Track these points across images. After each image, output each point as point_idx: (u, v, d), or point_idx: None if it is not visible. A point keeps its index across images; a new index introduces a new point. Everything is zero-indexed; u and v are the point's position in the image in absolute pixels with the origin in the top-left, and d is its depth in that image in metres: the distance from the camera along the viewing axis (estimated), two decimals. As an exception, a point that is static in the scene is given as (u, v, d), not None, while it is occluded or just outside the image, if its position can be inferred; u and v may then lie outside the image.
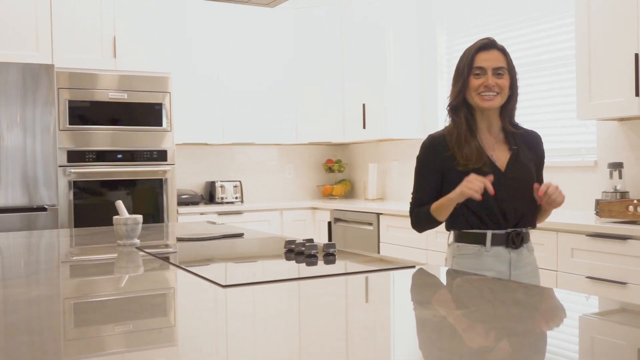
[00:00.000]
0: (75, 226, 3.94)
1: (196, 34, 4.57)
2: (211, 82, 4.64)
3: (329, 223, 4.56)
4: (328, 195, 5.20)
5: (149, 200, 4.19)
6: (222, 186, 4.75)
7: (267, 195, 5.14)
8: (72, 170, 3.96)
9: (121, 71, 4.10)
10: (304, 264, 1.81)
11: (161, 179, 4.20)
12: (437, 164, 1.99)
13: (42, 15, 3.88)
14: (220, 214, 4.46)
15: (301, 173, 5.33)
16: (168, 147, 4.23)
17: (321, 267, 1.76)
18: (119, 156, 4.10)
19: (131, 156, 4.13)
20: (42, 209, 3.82)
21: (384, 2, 4.44)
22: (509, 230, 1.95)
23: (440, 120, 4.42)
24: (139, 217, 2.32)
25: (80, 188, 3.99)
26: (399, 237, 3.86)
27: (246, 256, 2.17)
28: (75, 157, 3.97)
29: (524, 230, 1.98)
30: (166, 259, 1.92)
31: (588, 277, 2.69)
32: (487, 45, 1.97)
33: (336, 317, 1.24)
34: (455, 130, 1.98)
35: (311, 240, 2.08)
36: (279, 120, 4.89)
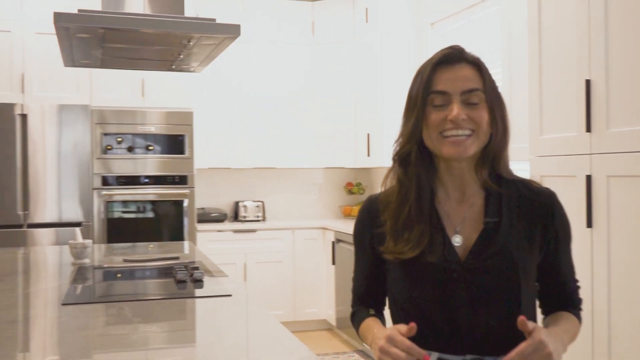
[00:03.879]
0: (108, 241, 4.66)
1: (217, 70, 5.18)
2: (233, 112, 5.24)
3: (333, 243, 4.98)
4: (348, 215, 5.61)
5: (171, 218, 4.84)
6: (244, 205, 5.33)
7: (292, 214, 5.65)
8: (105, 193, 4.69)
9: (149, 108, 4.79)
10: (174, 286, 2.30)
11: (182, 200, 4.84)
12: (369, 241, 1.37)
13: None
14: (235, 231, 5.02)
15: (326, 194, 5.78)
16: (188, 172, 4.86)
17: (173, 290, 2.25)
18: (146, 180, 4.78)
19: (156, 180, 4.80)
20: (79, 224, 4.59)
21: (388, 40, 4.82)
22: (468, 358, 1.25)
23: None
24: (88, 242, 2.91)
25: (112, 208, 4.72)
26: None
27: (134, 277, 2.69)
28: (108, 181, 4.71)
29: None
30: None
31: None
32: (451, 56, 1.27)
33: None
34: (394, 199, 1.32)
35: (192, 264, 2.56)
36: (297, 145, 5.38)
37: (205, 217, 5.18)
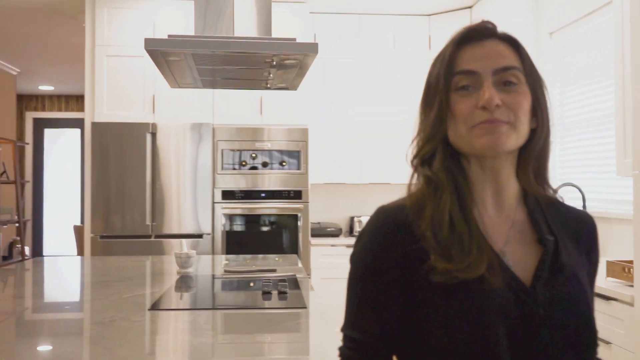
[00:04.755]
0: (227, 252, 4.90)
1: (330, 85, 5.28)
2: (346, 129, 5.30)
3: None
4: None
5: (286, 232, 4.99)
6: (359, 220, 5.37)
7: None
8: (225, 206, 4.94)
9: (266, 125, 4.98)
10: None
11: (296, 215, 4.97)
12: (397, 265, 0.98)
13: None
14: (348, 246, 5.07)
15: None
16: (303, 187, 4.99)
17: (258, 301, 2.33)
18: (263, 195, 4.97)
19: (272, 195, 4.98)
20: (200, 236, 4.86)
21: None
22: None
23: (553, 165, 4.47)
24: (192, 252, 3.09)
25: (231, 221, 4.95)
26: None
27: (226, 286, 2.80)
28: (228, 195, 4.95)
29: None
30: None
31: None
32: (478, 31, 1.02)
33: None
34: (428, 203, 1.00)
35: (283, 279, 2.64)
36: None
37: (321, 232, 5.28)
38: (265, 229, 4.96)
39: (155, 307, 2.16)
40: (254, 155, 4.97)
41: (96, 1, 4.84)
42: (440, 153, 1.02)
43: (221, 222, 4.92)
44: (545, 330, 0.94)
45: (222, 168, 4.94)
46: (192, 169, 4.84)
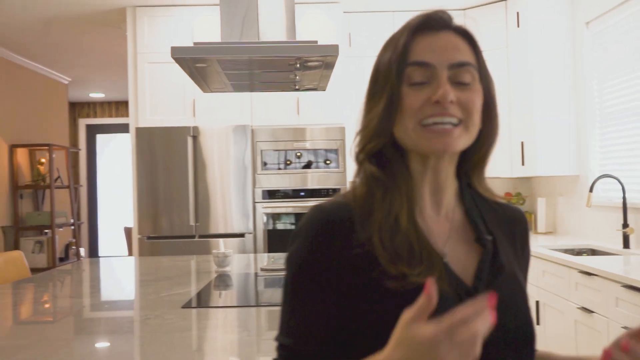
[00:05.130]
0: (269, 250, 5.00)
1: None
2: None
3: (487, 255, 4.84)
4: (508, 226, 5.40)
5: (326, 230, 5.05)
6: (400, 217, 5.39)
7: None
8: (266, 205, 5.04)
9: (304, 125, 5.06)
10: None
11: (336, 213, 5.02)
12: (332, 271, 0.92)
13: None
14: (388, 243, 5.09)
15: (485, 205, 5.62)
16: (341, 185, 5.04)
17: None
18: (302, 194, 5.05)
19: (311, 193, 5.05)
20: (242, 235, 4.98)
21: (540, 44, 4.61)
22: None
23: (592, 157, 4.40)
24: (229, 252, 3.19)
25: (271, 220, 5.05)
26: (551, 284, 4.01)
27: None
28: (268, 195, 5.05)
29: None
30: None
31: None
32: (435, 21, 0.96)
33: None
34: (376, 205, 0.95)
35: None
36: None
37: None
38: (305, 227, 5.04)
39: (187, 305, 2.25)
40: (293, 155, 5.05)
41: (137, 11, 5.01)
42: (388, 149, 0.97)
43: (262, 221, 5.02)
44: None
45: (262, 168, 5.04)
46: (232, 170, 4.96)
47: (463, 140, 0.94)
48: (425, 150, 0.93)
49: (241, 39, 2.45)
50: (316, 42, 2.31)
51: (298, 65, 2.37)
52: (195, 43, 2.29)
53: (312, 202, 4.98)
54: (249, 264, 3.56)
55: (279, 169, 5.05)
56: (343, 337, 0.92)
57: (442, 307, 0.85)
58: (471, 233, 1.00)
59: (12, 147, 6.46)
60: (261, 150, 5.04)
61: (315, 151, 5.04)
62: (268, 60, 2.30)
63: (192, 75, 2.59)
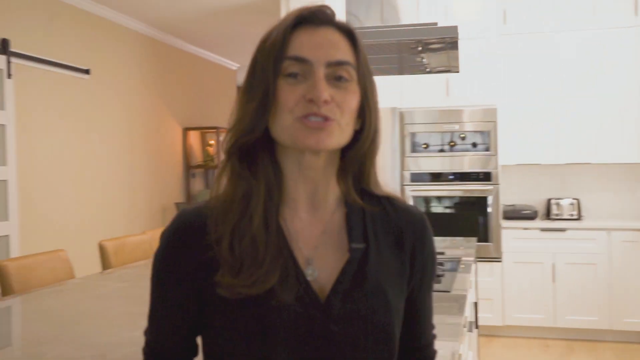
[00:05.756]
0: (416, 233, 4.98)
1: (521, 64, 5.03)
2: (540, 107, 5.03)
3: (654, 247, 4.41)
4: (685, 216, 4.87)
5: (475, 215, 4.91)
6: (557, 203, 5.08)
7: (612, 213, 5.15)
8: (414, 188, 5.01)
9: (453, 107, 4.94)
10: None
11: (486, 197, 4.87)
12: (186, 274, 0.93)
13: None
14: (543, 230, 4.83)
15: (658, 192, 5.11)
16: (492, 169, 4.86)
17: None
18: (451, 177, 4.95)
19: (461, 177, 4.93)
20: (389, 218, 5.01)
21: None
22: None
23: None
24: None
25: (420, 203, 5.01)
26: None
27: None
28: (417, 178, 5.01)
29: None
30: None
31: None
32: (315, 16, 0.93)
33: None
34: (234, 207, 0.93)
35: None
36: (617, 139, 4.88)
37: (515, 214, 5.09)
38: (453, 211, 4.94)
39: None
40: (442, 137, 4.96)
41: (290, -2, 5.20)
42: (259, 146, 0.93)
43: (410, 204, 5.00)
44: (338, 348, 0.88)
45: (411, 151, 5.01)
46: (381, 153, 4.95)
47: (336, 137, 0.90)
48: (300, 145, 0.89)
49: (366, 23, 2.46)
50: (436, 23, 2.25)
51: (420, 48, 2.32)
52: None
53: (461, 186, 4.88)
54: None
55: (428, 151, 4.99)
56: (198, 337, 0.97)
57: (284, 319, 0.87)
58: (346, 239, 0.95)
59: (186, 130, 7.03)
60: (410, 133, 5.01)
61: (465, 133, 4.91)
62: (390, 44, 2.28)
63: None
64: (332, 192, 0.97)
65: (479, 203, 4.89)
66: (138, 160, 5.97)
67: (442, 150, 4.96)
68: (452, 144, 4.94)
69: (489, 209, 4.85)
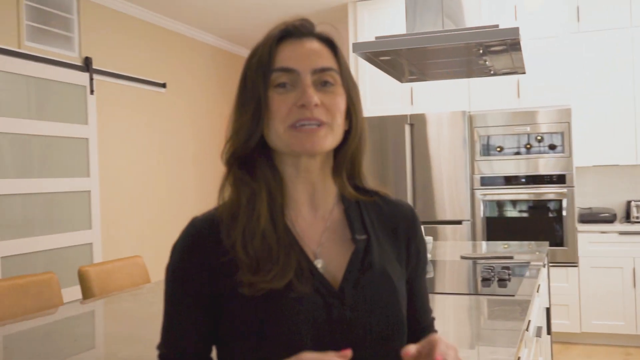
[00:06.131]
0: (488, 238, 4.90)
1: (598, 62, 4.86)
2: (618, 106, 4.84)
3: None
4: None
5: (549, 218, 4.79)
6: (637, 206, 4.87)
7: (701, 216, 4.90)
8: (484, 192, 4.93)
9: (524, 108, 4.84)
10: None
11: (560, 200, 4.73)
12: (205, 279, 0.97)
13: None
14: (621, 233, 4.65)
15: None
16: (567, 171, 4.72)
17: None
18: (523, 180, 4.85)
19: (533, 180, 4.82)
20: (460, 222, 4.95)
21: None
22: None
23: None
24: (429, 238, 3.21)
25: (490, 207, 4.93)
26: None
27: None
28: (487, 181, 4.94)
29: None
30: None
31: None
32: (297, 29, 1.02)
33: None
34: (241, 211, 0.99)
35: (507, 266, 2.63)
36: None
37: (592, 217, 4.93)
38: (526, 214, 4.83)
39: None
40: (513, 140, 4.87)
41: (357, 6, 5.24)
42: (257, 154, 1.00)
43: (481, 209, 4.93)
44: (353, 331, 0.95)
45: (481, 154, 4.95)
46: (450, 156, 4.94)
47: (329, 140, 0.98)
48: (296, 150, 0.96)
49: (424, 29, 2.46)
50: (497, 26, 2.23)
51: (481, 51, 2.31)
52: (376, 37, 2.36)
53: (534, 189, 4.77)
54: (452, 251, 3.54)
55: (499, 154, 4.91)
56: (216, 346, 1.01)
57: (304, 309, 0.94)
58: (348, 234, 1.03)
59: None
60: (479, 136, 4.94)
61: (538, 135, 4.80)
62: (450, 49, 2.28)
63: (380, 67, 2.67)
64: (330, 190, 1.05)
65: (554, 206, 4.76)
66: (210, 170, 6.16)
67: (513, 153, 4.87)
68: (528, 146, 4.83)
69: (564, 213, 4.72)
